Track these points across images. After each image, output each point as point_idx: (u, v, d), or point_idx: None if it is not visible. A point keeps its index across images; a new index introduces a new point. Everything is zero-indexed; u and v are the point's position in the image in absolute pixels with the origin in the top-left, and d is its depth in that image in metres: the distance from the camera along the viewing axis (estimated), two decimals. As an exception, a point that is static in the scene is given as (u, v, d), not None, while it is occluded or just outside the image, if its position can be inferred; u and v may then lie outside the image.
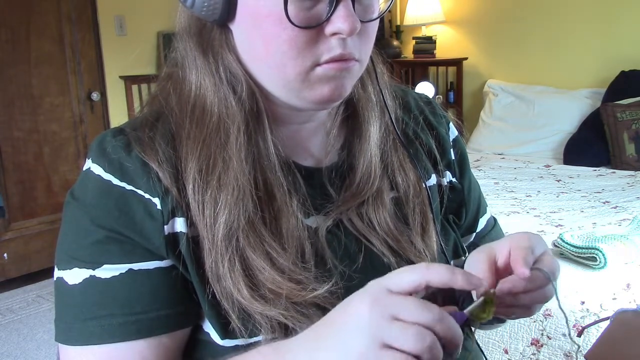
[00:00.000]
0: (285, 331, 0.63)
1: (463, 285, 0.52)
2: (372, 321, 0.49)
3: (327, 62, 0.63)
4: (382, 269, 0.70)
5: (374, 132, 0.75)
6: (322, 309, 0.64)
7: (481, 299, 0.54)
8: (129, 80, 3.75)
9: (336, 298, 0.64)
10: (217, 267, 0.63)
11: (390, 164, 0.76)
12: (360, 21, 0.62)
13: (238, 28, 0.66)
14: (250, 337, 0.63)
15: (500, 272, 0.62)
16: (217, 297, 0.63)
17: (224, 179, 0.64)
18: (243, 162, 0.65)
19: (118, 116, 3.71)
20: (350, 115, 0.76)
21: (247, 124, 0.67)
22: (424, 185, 0.76)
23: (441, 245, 0.75)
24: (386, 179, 0.75)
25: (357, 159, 0.73)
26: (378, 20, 0.66)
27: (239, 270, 0.62)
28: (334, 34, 0.61)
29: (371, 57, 0.74)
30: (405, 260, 0.71)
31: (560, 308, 0.62)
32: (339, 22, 0.60)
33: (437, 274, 0.51)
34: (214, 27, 0.68)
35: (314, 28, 0.61)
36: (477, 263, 0.62)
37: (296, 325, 0.62)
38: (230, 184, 0.64)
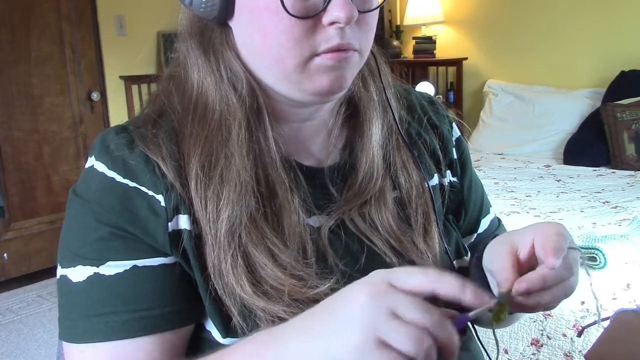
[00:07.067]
0: None
1: (472, 303, 0.48)
2: (369, 314, 0.46)
3: (324, 52, 0.63)
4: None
5: (375, 131, 0.74)
6: None
7: (492, 302, 0.50)
8: (129, 80, 3.75)
9: None
10: (220, 263, 0.63)
11: (393, 164, 0.75)
12: (359, 11, 0.62)
13: (237, 24, 0.66)
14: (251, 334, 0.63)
15: (522, 265, 0.60)
16: (219, 293, 0.63)
17: (226, 175, 0.64)
18: (245, 158, 0.65)
19: (118, 116, 3.71)
20: (352, 115, 0.76)
21: (248, 121, 0.67)
22: (427, 186, 0.76)
23: (445, 246, 0.75)
24: (389, 179, 0.75)
25: (359, 159, 0.73)
26: (378, 11, 0.66)
27: (242, 266, 0.63)
28: (332, 23, 0.61)
29: (375, 56, 0.73)
30: (408, 261, 0.71)
31: (594, 296, 0.61)
32: (336, 10, 0.60)
33: (448, 285, 0.48)
34: (215, 27, 0.68)
35: (311, 18, 0.61)
36: (499, 257, 0.61)
37: None
38: (232, 180, 0.64)
